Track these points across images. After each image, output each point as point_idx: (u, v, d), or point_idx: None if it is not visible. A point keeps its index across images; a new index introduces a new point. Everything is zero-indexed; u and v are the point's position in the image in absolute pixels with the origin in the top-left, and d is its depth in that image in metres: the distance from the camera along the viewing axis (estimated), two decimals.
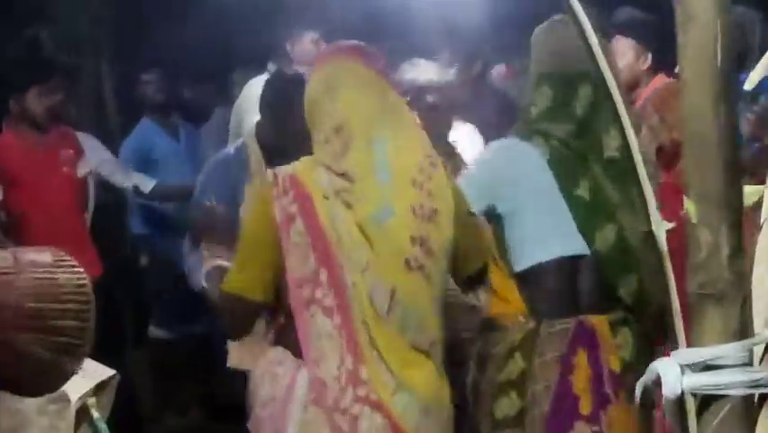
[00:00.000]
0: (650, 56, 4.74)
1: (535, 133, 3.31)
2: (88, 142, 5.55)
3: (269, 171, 2.95)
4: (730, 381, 1.72)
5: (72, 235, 4.91)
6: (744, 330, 1.74)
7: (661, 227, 1.77)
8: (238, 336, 3.33)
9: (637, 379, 3.18)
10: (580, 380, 3.23)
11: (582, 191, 3.26)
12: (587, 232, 3.27)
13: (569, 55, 3.31)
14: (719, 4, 1.68)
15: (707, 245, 1.72)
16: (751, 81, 1.86)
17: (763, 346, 1.76)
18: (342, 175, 2.81)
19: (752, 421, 1.77)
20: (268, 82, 4.42)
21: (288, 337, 2.91)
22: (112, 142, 6.19)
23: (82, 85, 6.45)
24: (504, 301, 3.37)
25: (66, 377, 2.65)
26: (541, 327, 3.28)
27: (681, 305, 1.79)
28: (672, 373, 1.73)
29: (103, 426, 2.93)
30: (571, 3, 1.80)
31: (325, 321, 2.81)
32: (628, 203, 3.28)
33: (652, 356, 3.20)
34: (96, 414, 2.97)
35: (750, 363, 1.73)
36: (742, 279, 1.74)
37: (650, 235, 3.26)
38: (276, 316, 2.98)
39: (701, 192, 1.72)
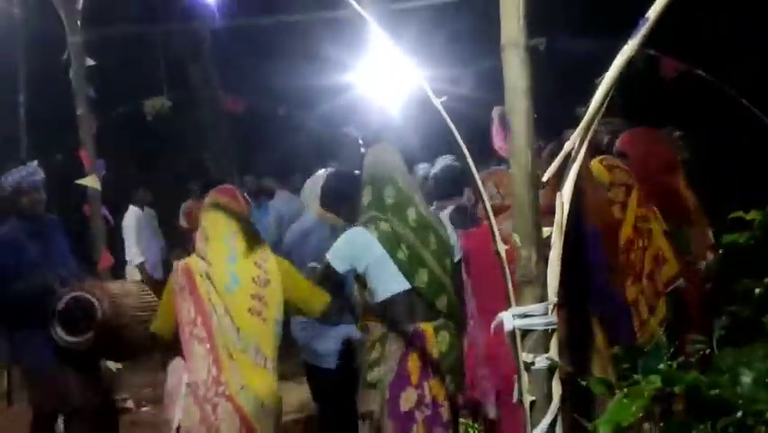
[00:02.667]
0: None
1: (369, 220, 3.97)
2: None
3: (175, 263, 3.76)
4: (537, 322, 2.25)
5: None
6: (543, 297, 2.27)
7: (501, 248, 2.29)
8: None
9: (449, 363, 3.97)
10: (413, 362, 3.91)
11: (401, 254, 3.93)
12: (409, 276, 3.93)
13: (379, 167, 4.05)
14: (526, 139, 2.26)
15: (524, 257, 2.26)
16: (547, 175, 2.32)
17: (553, 304, 2.27)
18: (208, 262, 3.54)
19: (548, 343, 2.26)
20: (328, 177, 5.02)
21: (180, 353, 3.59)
22: None
23: None
24: (369, 320, 4.08)
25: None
26: (390, 330, 3.94)
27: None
28: (509, 319, 2.27)
29: None
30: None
31: (201, 347, 3.48)
32: (431, 252, 3.96)
33: (461, 347, 4.05)
34: None
35: (547, 314, 2.26)
36: (542, 273, 2.27)
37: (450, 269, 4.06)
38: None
39: (521, 230, 2.27)
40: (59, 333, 4.37)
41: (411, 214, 3.99)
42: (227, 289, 3.52)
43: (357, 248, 3.98)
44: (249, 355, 3.49)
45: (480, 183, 2.37)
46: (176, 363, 3.60)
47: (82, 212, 5.46)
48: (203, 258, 3.58)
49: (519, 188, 2.32)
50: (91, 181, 5.17)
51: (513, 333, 2.30)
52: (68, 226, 5.12)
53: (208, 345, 3.44)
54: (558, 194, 2.35)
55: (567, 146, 2.36)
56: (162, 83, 9.03)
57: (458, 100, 2.41)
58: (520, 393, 2.27)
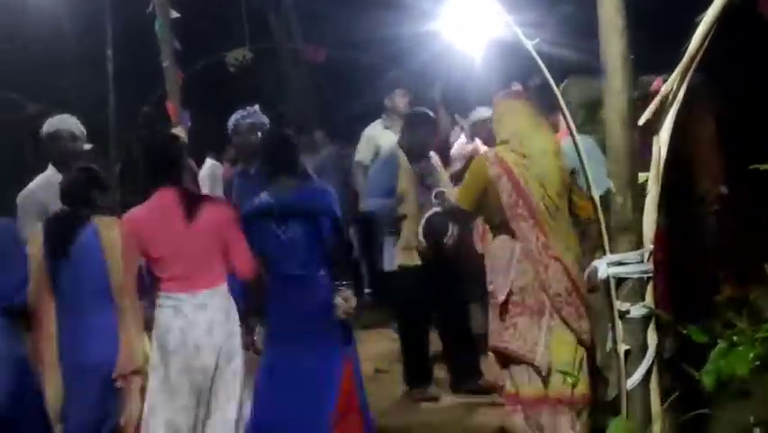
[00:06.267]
0: None
1: (588, 132, 4.17)
2: None
3: (485, 151, 4.42)
4: (632, 270, 2.23)
5: None
6: (639, 244, 2.24)
7: (596, 194, 2.30)
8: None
9: None
10: None
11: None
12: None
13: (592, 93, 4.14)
14: (622, 81, 2.21)
15: (619, 203, 2.24)
16: (643, 119, 2.27)
17: (650, 251, 2.23)
18: (522, 155, 4.02)
19: (644, 292, 2.24)
20: (407, 117, 5.70)
21: (507, 230, 4.03)
22: None
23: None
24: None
25: None
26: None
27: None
28: (603, 267, 2.24)
29: None
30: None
31: (526, 223, 3.98)
32: None
33: None
34: None
35: (642, 261, 2.23)
36: (637, 219, 2.24)
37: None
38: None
39: (616, 176, 2.26)
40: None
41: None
42: (540, 176, 4.08)
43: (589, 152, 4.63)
44: (563, 226, 4.08)
45: (570, 123, 2.33)
46: (502, 240, 4.14)
47: None
48: (515, 150, 4.11)
49: (614, 132, 2.27)
50: (178, 133, 5.26)
51: (607, 281, 2.26)
52: None
53: (532, 221, 4.02)
54: (655, 138, 2.28)
55: (665, 89, 2.30)
56: (245, 34, 9.05)
57: (543, 44, 2.36)
58: (614, 342, 2.25)
